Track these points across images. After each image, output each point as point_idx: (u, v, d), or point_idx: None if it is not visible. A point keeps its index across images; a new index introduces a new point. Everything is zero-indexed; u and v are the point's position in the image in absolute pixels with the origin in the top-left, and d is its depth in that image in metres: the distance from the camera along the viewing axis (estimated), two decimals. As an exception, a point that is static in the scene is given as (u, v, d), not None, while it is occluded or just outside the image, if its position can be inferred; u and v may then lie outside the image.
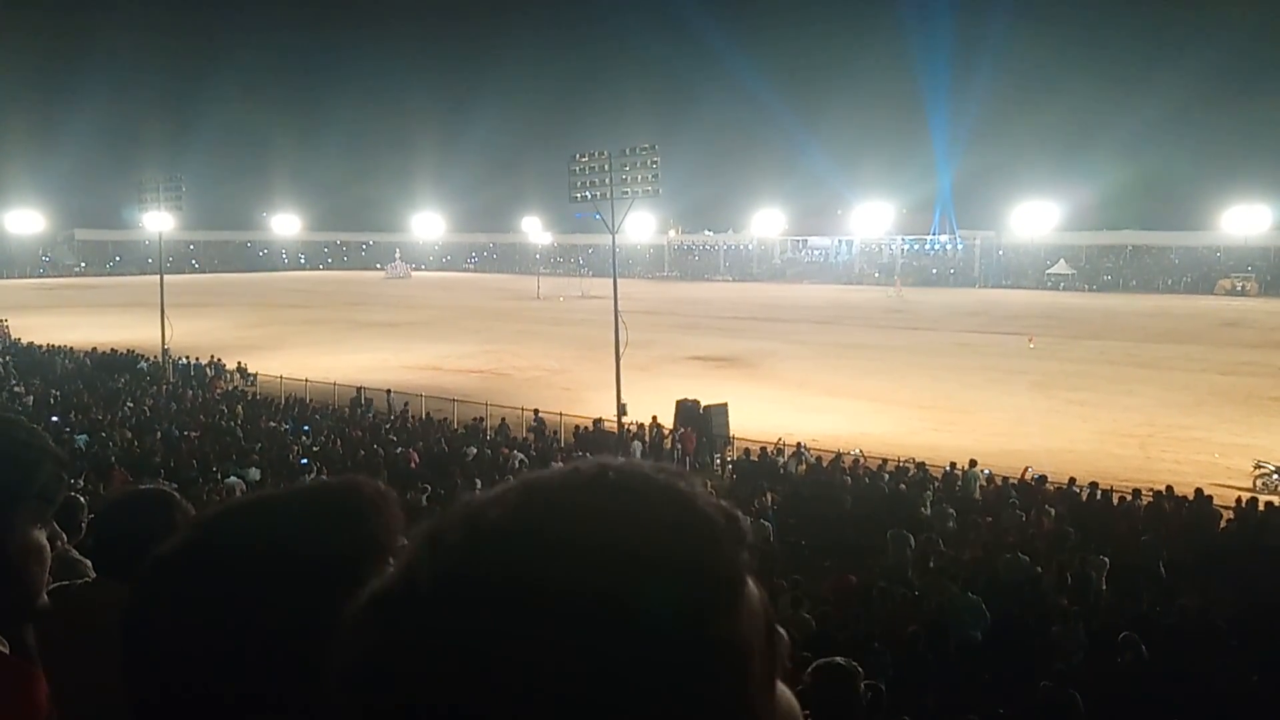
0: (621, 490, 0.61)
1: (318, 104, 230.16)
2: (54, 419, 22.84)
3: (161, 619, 0.83)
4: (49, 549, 1.37)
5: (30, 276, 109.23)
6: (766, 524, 15.32)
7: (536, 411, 25.05)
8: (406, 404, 27.06)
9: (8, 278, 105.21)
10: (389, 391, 28.70)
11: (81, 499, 3.90)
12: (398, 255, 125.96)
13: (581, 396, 29.23)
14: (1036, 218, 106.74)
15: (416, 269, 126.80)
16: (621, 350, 26.96)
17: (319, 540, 0.85)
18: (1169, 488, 16.99)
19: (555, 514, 0.59)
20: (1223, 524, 15.75)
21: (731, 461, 22.60)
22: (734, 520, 0.62)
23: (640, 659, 0.54)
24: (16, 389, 27.79)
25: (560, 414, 25.35)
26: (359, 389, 29.25)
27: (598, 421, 24.29)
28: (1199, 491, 16.48)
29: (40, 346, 38.31)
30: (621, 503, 0.60)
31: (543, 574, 0.55)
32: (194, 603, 0.82)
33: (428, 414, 26.53)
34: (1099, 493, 16.98)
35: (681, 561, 0.57)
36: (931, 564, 13.83)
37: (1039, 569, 12.84)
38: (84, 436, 20.44)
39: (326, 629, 0.75)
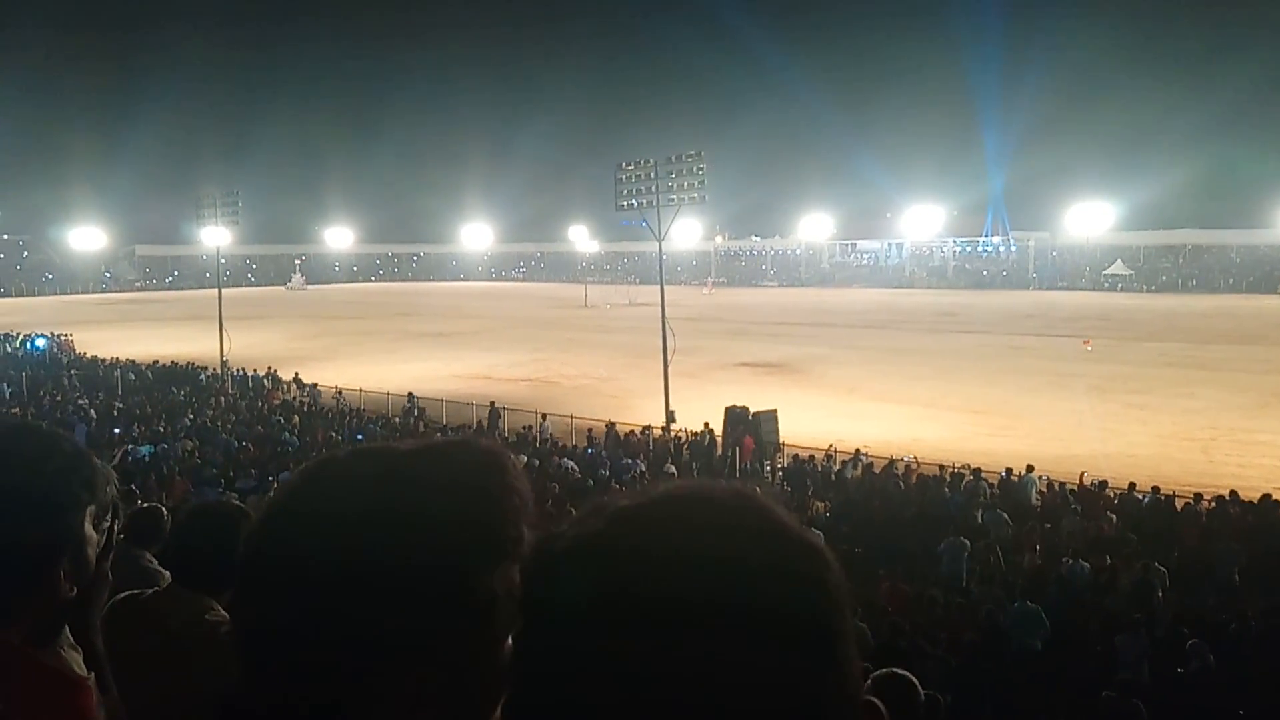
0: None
1: (370, 119, 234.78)
2: (116, 430, 23.46)
3: (273, 570, 0.79)
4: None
5: (93, 292, 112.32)
6: (818, 532, 15.18)
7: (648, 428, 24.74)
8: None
9: (72, 294, 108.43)
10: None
11: (163, 509, 4.07)
12: (299, 266, 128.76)
13: (630, 404, 29.22)
14: (1092, 218, 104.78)
15: (462, 279, 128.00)
16: (669, 357, 26.94)
17: (451, 517, 0.79)
18: (1233, 492, 16.51)
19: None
20: (1291, 529, 15.27)
21: (782, 468, 22.44)
22: None
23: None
24: (80, 401, 28.54)
25: (611, 421, 25.28)
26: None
27: (646, 429, 24.28)
28: (1266, 496, 15.99)
29: (103, 360, 39.22)
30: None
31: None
32: (307, 560, 0.77)
33: (479, 422, 26.72)
34: (1161, 497, 16.58)
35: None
36: (989, 572, 13.60)
37: (1105, 576, 12.56)
38: (148, 447, 20.93)
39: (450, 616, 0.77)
